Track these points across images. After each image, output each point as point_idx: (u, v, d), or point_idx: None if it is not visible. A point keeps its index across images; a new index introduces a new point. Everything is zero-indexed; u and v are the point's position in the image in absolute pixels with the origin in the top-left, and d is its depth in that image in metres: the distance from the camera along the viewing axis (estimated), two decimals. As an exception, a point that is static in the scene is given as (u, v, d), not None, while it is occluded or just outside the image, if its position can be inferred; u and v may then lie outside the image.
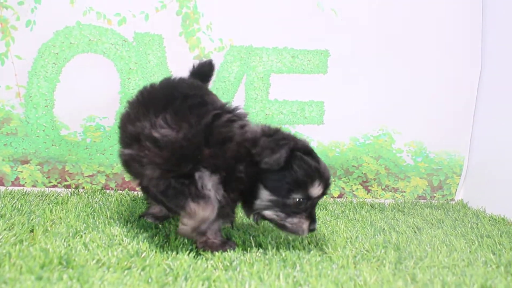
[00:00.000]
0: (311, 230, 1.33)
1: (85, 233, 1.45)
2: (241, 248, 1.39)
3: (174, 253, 1.32)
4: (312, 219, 1.33)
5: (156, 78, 2.18)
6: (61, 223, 1.56)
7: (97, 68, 2.17)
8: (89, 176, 2.20)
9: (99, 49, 2.15)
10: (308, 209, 1.32)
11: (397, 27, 2.32)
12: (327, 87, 2.28)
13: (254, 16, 2.23)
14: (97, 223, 1.60)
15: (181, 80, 1.71)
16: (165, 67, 2.19)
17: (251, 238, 1.49)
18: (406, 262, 1.33)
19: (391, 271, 1.26)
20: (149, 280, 1.10)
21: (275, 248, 1.40)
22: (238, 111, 1.44)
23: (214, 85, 2.21)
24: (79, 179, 2.20)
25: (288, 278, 1.14)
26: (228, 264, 1.24)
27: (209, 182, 1.29)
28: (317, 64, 2.26)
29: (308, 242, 1.48)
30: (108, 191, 2.18)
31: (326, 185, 1.33)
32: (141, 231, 1.53)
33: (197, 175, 1.28)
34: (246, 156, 1.29)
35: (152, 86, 1.63)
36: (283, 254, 1.34)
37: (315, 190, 1.31)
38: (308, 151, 1.34)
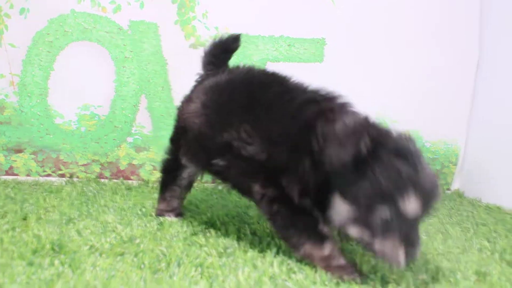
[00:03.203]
0: (410, 258, 1.00)
1: (78, 221, 1.45)
2: (236, 236, 1.38)
3: (168, 240, 1.31)
4: (410, 243, 1.00)
5: (152, 66, 2.17)
6: (54, 211, 1.55)
7: (91, 57, 2.15)
8: (83, 165, 2.19)
9: (93, 37, 2.14)
10: (403, 229, 0.99)
11: (395, 16, 2.31)
12: (323, 75, 2.26)
13: (250, 4, 2.22)
14: (91, 211, 1.59)
15: (257, 72, 1.46)
16: (160, 55, 2.18)
17: (246, 225, 1.48)
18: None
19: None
20: (142, 266, 1.09)
21: (270, 236, 1.39)
22: (324, 94, 1.23)
23: (209, 74, 2.19)
24: (73, 168, 2.19)
25: (282, 265, 1.13)
26: (222, 251, 1.23)
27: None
28: (313, 53, 2.25)
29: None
30: (102, 180, 2.17)
31: (425, 201, 0.99)
32: (135, 218, 1.52)
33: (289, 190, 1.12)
34: (311, 151, 1.07)
35: (227, 81, 1.43)
36: (278, 242, 1.33)
37: (408, 206, 0.97)
38: (401, 152, 1.01)
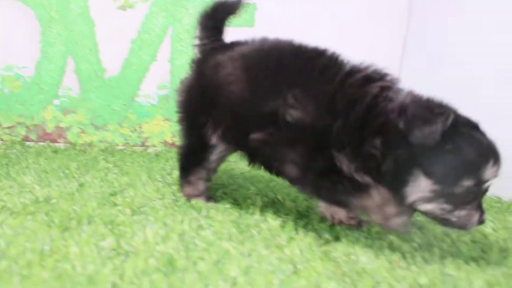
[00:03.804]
0: (480, 222, 1.06)
1: (-6, 182, 1.43)
2: (154, 196, 1.41)
3: (84, 199, 1.31)
4: (481, 209, 1.06)
5: (79, 27, 2.13)
6: (-30, 172, 1.53)
7: (15, 15, 2.08)
8: (8, 127, 2.15)
9: (16, -5, 2.07)
10: (478, 197, 1.05)
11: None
12: (254, 41, 2.28)
13: (182, -33, 2.19)
14: (11, 172, 1.57)
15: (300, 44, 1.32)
16: (87, 16, 2.13)
17: (167, 186, 1.51)
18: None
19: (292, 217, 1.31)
20: (51, 224, 1.10)
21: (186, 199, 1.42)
22: (378, 71, 1.18)
23: (139, 36, 2.17)
24: (-2, 131, 2.14)
25: (192, 223, 1.17)
26: (136, 209, 1.26)
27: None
28: (245, 18, 2.25)
29: (223, 193, 1.52)
30: (28, 143, 2.13)
31: (500, 164, 1.04)
32: (56, 180, 1.51)
33: (338, 162, 1.10)
34: (387, 128, 1.05)
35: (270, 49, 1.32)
36: (193, 202, 1.36)
37: (489, 172, 1.01)
38: (474, 125, 1.06)
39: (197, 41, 1.47)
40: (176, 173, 1.68)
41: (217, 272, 0.89)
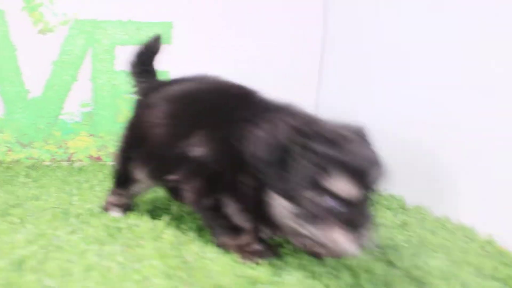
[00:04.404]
0: (361, 243, 0.96)
1: None
2: (48, 206, 1.53)
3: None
4: (354, 226, 0.95)
5: (0, 52, 2.24)
6: None
7: None
8: None
9: None
10: (342, 215, 0.96)
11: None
12: (172, 57, 2.40)
13: (98, -11, 2.32)
14: None
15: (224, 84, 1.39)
16: (7, 41, 2.25)
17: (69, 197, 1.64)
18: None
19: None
20: None
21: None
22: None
23: (59, 58, 2.30)
24: None
25: (67, 228, 1.30)
26: (24, 218, 1.39)
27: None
28: (162, 36, 2.38)
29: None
30: (-45, 163, 2.24)
31: (358, 180, 0.95)
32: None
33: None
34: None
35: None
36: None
37: (335, 186, 0.95)
38: (326, 138, 0.99)
39: (133, 85, 1.58)
40: (85, 185, 1.82)
41: (58, 269, 1.02)
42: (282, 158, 0.99)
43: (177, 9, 2.41)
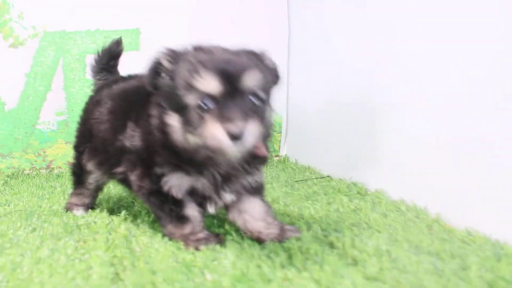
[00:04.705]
0: (236, 134, 1.01)
1: None
2: (18, 208, 1.61)
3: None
4: (228, 119, 1.02)
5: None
6: None
7: None
8: None
9: None
10: (217, 111, 1.04)
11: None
12: (141, 63, 2.48)
13: (65, 2, 2.40)
14: None
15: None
16: (-20, 56, 2.34)
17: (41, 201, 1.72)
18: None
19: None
20: None
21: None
22: None
23: (32, 70, 2.38)
24: None
25: (28, 227, 1.38)
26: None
27: None
28: (130, 42, 2.47)
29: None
30: None
31: (223, 77, 1.06)
32: None
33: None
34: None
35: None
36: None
37: (203, 84, 1.06)
38: (202, 49, 1.22)
39: (92, 81, 1.72)
40: (59, 189, 1.90)
41: (10, 263, 1.10)
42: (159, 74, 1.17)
43: (144, 16, 2.49)
